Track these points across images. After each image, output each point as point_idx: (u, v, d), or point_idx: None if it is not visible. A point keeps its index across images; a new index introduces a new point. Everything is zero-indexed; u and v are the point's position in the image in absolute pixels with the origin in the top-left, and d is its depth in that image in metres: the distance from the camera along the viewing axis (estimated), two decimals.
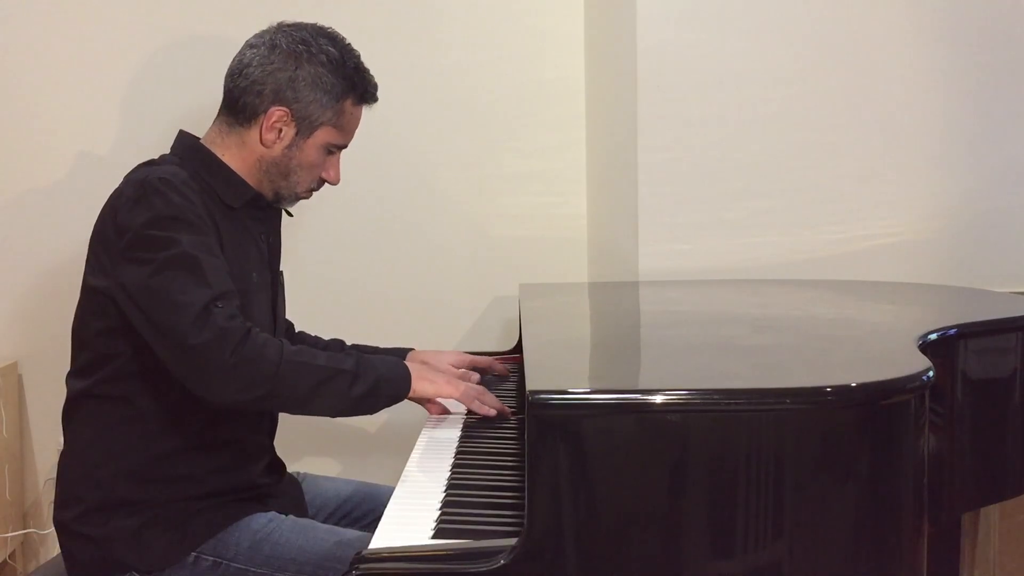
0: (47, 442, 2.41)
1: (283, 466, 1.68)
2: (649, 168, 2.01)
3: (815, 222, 2.07)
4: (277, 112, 1.53)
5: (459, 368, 1.72)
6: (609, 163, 2.29)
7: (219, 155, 1.55)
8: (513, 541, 1.01)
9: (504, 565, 0.99)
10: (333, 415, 1.44)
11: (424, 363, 1.67)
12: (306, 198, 1.64)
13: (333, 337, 1.83)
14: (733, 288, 1.95)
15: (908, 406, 1.08)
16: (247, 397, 1.34)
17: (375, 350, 1.79)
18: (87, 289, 1.48)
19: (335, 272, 2.48)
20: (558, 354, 1.39)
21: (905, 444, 1.07)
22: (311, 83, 1.53)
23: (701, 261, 2.04)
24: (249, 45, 1.57)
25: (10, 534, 2.31)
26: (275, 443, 1.67)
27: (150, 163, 1.54)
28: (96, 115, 2.38)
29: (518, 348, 1.98)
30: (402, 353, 1.78)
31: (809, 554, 1.03)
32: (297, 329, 1.87)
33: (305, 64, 1.54)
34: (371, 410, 1.44)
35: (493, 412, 1.52)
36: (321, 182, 1.62)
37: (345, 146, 1.62)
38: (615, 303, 1.97)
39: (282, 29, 1.57)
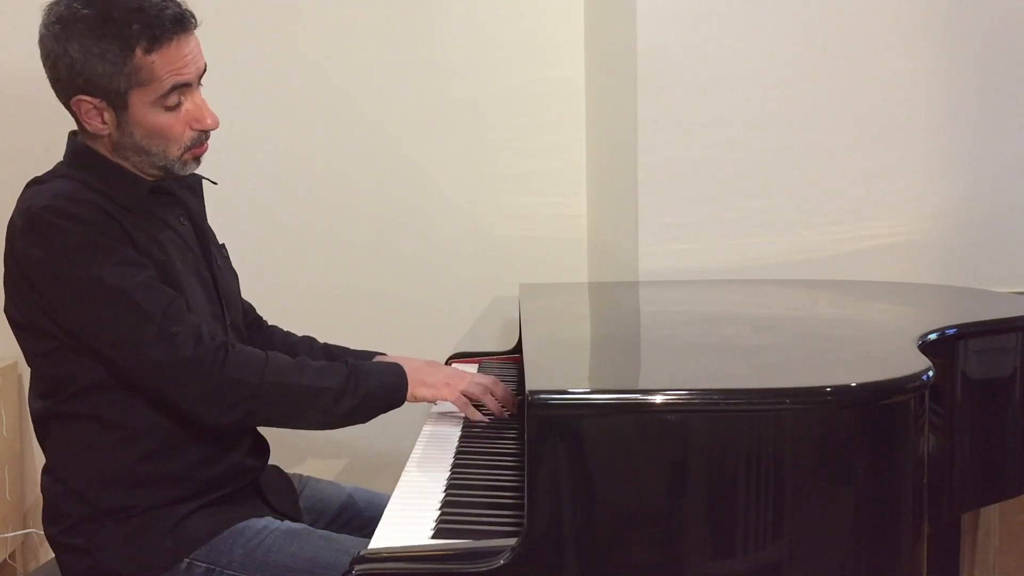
0: None
1: (267, 445, 1.64)
2: (649, 168, 2.01)
3: (815, 222, 2.07)
4: (79, 105, 1.39)
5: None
6: (609, 163, 2.29)
7: (101, 152, 1.44)
8: (513, 541, 1.01)
9: (504, 565, 0.99)
10: (320, 429, 1.45)
11: (427, 363, 1.64)
12: (197, 154, 1.46)
13: (327, 341, 1.80)
14: (733, 288, 1.95)
15: (908, 406, 1.08)
16: (229, 419, 1.38)
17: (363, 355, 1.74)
18: (15, 324, 1.44)
19: (335, 273, 2.48)
20: (558, 354, 1.39)
21: (905, 444, 1.07)
22: (85, 59, 1.35)
23: (701, 261, 2.04)
24: (38, 39, 1.40)
25: (10, 534, 2.31)
26: (273, 445, 1.67)
27: (38, 180, 1.44)
28: None
29: (518, 348, 1.98)
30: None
31: (809, 554, 1.03)
32: (289, 329, 1.83)
33: (67, 42, 1.35)
34: (362, 421, 1.45)
35: (486, 420, 1.53)
36: (198, 134, 1.44)
37: (184, 84, 1.40)
38: (615, 303, 1.97)
39: (45, 11, 1.39)
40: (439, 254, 2.50)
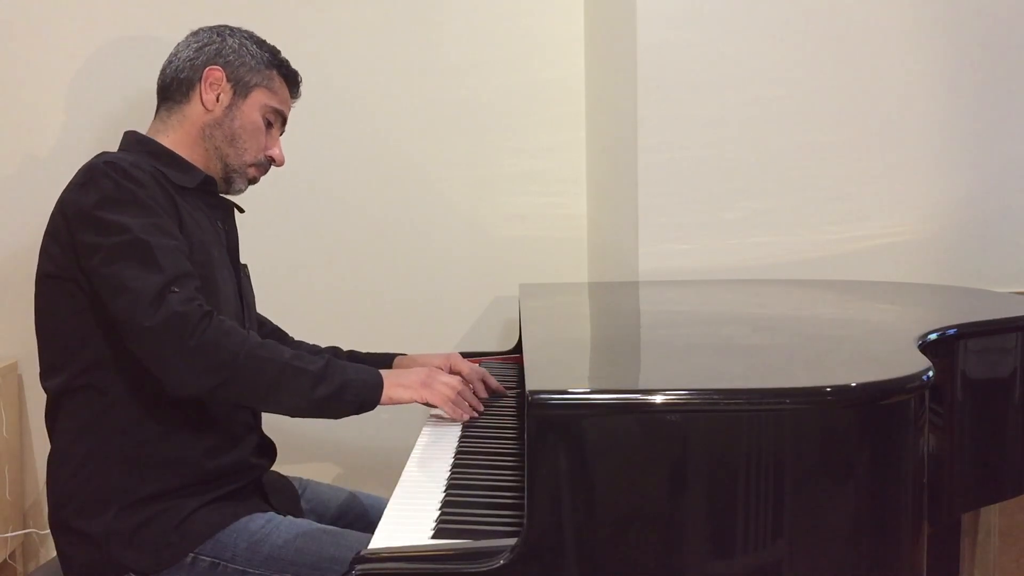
0: (47, 442, 2.41)
1: (274, 449, 1.67)
2: (649, 168, 2.01)
3: (815, 222, 2.07)
4: (213, 72, 1.60)
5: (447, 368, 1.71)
6: (609, 163, 2.29)
7: (164, 143, 1.59)
8: (513, 541, 1.01)
9: (504, 565, 0.99)
10: (293, 414, 1.43)
11: (406, 366, 1.70)
12: (254, 179, 1.66)
13: (331, 345, 1.83)
14: (733, 288, 1.95)
15: (908, 406, 1.08)
16: (205, 384, 1.35)
17: (356, 357, 1.79)
18: (45, 279, 1.48)
19: (335, 273, 2.48)
20: (558, 354, 1.39)
21: (905, 444, 1.07)
22: (238, 50, 1.62)
23: (701, 261, 2.04)
24: (175, 46, 1.66)
25: (10, 534, 2.31)
26: (278, 447, 1.67)
27: (101, 153, 1.54)
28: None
29: (518, 348, 1.98)
30: (388, 359, 1.78)
31: (809, 554, 1.03)
32: (291, 333, 1.86)
33: (229, 38, 1.63)
34: (336, 414, 1.44)
35: (465, 417, 1.53)
36: (268, 161, 1.66)
37: (282, 117, 1.67)
38: (615, 303, 1.97)
39: (201, 28, 1.67)
40: (439, 254, 2.50)
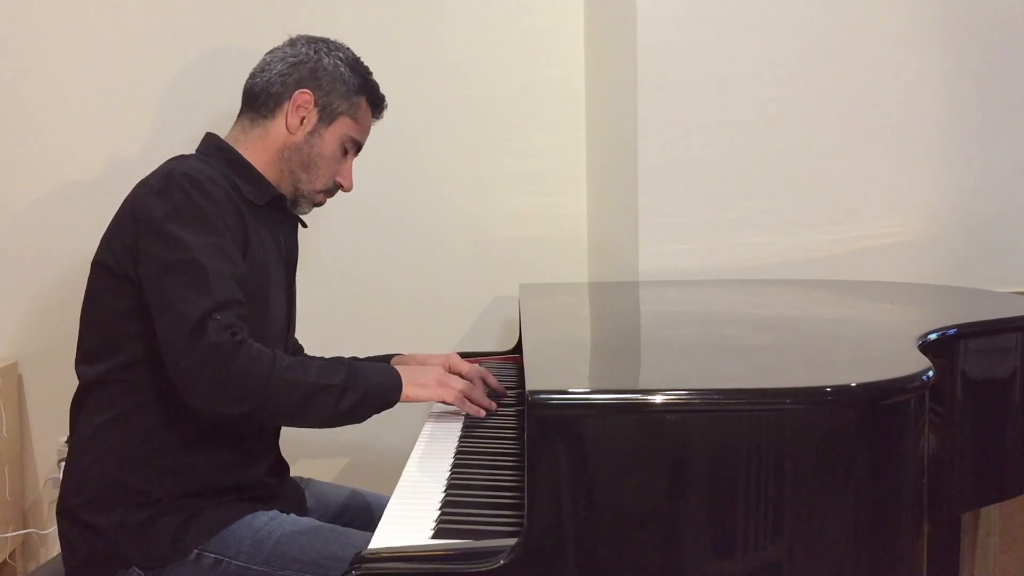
0: (47, 442, 2.42)
1: (287, 467, 1.68)
2: (649, 168, 2.01)
3: (815, 222, 2.07)
4: (303, 95, 1.59)
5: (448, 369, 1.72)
6: (609, 163, 2.29)
7: (242, 153, 1.59)
8: (513, 541, 1.01)
9: (504, 565, 0.99)
10: (321, 427, 1.45)
11: (413, 365, 1.70)
12: (320, 203, 1.68)
13: (335, 356, 1.83)
14: (733, 288, 1.95)
15: (908, 406, 1.08)
16: (235, 411, 1.35)
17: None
18: (100, 269, 1.49)
19: (335, 272, 2.48)
20: (558, 354, 1.39)
21: (905, 444, 1.07)
22: (332, 73, 1.62)
23: (701, 261, 2.04)
24: (269, 52, 1.66)
25: (10, 534, 2.31)
26: (279, 446, 1.67)
27: (179, 157, 1.56)
28: (100, 119, 2.38)
29: (518, 348, 1.98)
30: (385, 360, 1.77)
31: (809, 554, 1.03)
32: (306, 349, 1.86)
33: (325, 56, 1.62)
34: (359, 420, 1.45)
35: (483, 413, 1.54)
36: (336, 186, 1.66)
37: (359, 146, 1.68)
38: (615, 303, 1.97)
39: (299, 37, 1.67)
40: (439, 254, 2.50)
